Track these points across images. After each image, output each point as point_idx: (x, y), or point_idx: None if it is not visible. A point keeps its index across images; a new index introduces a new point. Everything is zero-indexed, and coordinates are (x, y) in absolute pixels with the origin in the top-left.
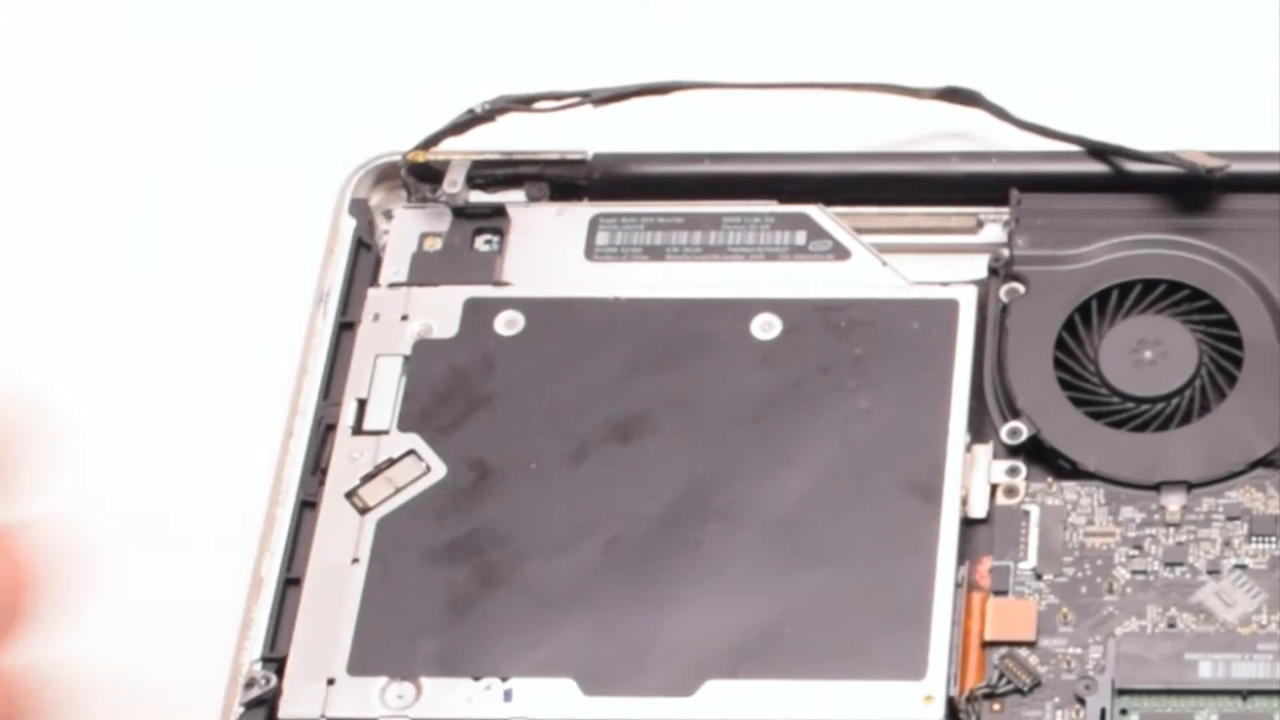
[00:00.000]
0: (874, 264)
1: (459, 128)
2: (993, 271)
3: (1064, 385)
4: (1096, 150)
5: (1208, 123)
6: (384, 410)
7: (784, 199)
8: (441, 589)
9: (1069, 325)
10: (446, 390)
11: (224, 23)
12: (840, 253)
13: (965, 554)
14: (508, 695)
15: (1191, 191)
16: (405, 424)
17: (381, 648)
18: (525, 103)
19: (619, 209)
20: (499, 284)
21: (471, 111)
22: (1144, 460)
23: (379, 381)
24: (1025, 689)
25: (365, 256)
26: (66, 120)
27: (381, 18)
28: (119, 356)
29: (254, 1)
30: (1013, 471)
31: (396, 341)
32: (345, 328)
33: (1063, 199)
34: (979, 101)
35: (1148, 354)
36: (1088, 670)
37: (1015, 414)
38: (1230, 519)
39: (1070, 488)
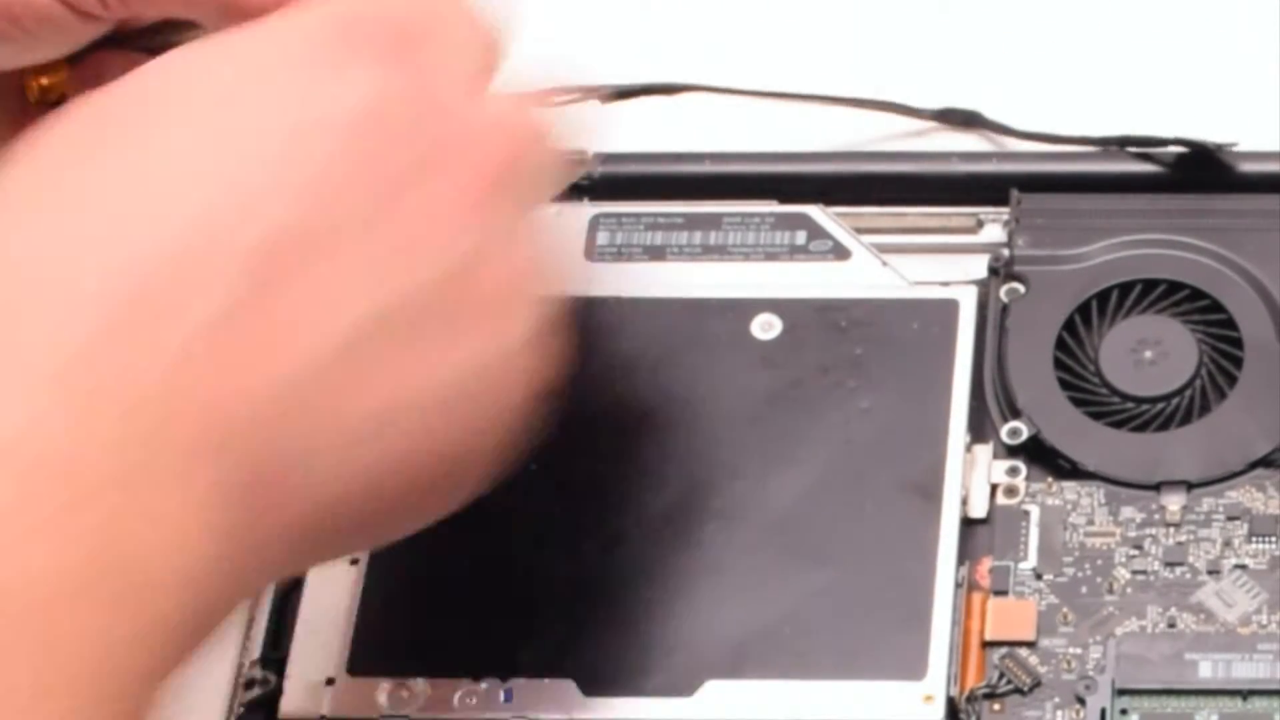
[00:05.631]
0: (874, 264)
1: None
2: (993, 271)
3: (1064, 385)
4: (1106, 143)
5: (1208, 122)
6: None
7: (784, 199)
8: (441, 589)
9: (1069, 325)
10: None
11: None
12: (840, 253)
13: (965, 554)
14: (508, 695)
15: (1195, 180)
16: None
17: (381, 648)
18: None
19: (619, 209)
20: None
21: None
22: (1144, 460)
23: None
24: (1025, 689)
25: None
26: None
27: None
28: None
29: None
30: (1013, 471)
31: None
32: None
33: (1063, 199)
34: (979, 121)
35: (1148, 354)
36: (1088, 670)
37: (1015, 414)
38: (1230, 519)
39: (1070, 488)
